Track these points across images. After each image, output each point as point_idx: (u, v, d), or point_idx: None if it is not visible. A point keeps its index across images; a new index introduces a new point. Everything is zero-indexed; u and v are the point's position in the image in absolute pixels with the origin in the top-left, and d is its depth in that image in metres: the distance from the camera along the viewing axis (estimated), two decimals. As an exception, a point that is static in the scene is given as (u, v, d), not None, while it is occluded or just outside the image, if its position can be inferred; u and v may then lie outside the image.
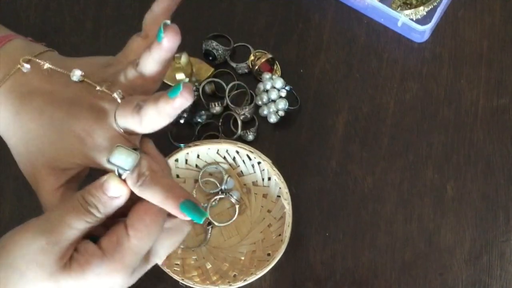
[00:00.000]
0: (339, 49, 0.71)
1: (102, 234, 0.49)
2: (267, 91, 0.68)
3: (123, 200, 0.47)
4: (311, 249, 0.66)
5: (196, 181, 0.68)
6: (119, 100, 0.51)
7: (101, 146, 0.50)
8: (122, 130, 0.51)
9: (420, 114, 0.69)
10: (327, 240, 0.66)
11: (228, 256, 0.65)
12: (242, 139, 0.68)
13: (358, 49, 0.71)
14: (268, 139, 0.69)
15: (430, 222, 0.67)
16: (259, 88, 0.68)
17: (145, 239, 0.47)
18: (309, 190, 0.67)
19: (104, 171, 0.49)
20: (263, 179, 0.67)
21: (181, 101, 0.48)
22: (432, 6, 0.69)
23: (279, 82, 0.67)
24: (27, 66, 0.53)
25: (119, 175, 0.47)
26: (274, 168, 0.64)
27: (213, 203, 0.67)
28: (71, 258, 0.46)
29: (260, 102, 0.68)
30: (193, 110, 0.68)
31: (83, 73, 0.52)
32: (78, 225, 0.46)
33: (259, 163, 0.66)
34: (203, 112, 0.68)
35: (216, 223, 0.66)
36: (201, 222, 0.47)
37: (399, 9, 0.69)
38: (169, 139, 0.68)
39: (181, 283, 0.62)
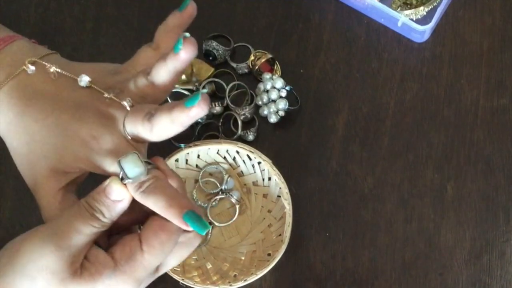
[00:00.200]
0: (339, 49, 0.71)
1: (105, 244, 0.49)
2: (267, 91, 0.68)
3: (126, 203, 0.47)
4: (311, 249, 0.66)
5: (196, 181, 0.68)
6: (128, 108, 0.51)
7: (107, 151, 0.50)
8: (130, 137, 0.51)
9: (420, 114, 0.69)
10: (327, 240, 0.66)
11: (228, 256, 0.66)
12: (242, 139, 0.68)
13: (358, 49, 0.71)
14: (268, 139, 0.69)
15: (430, 222, 0.67)
16: (259, 88, 0.68)
17: (159, 255, 0.47)
18: (309, 190, 0.67)
19: (106, 177, 0.49)
20: (263, 179, 0.67)
21: (197, 111, 0.48)
22: (432, 6, 0.69)
23: (279, 82, 0.67)
24: (32, 67, 0.53)
25: (122, 179, 0.47)
26: (274, 168, 0.65)
27: (213, 203, 0.67)
28: (82, 266, 0.46)
29: (260, 102, 0.68)
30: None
31: (90, 79, 0.52)
32: (85, 230, 0.46)
33: (259, 163, 0.66)
34: (203, 112, 0.68)
35: (216, 223, 0.66)
36: (203, 234, 0.47)
37: (399, 9, 0.69)
38: (169, 139, 0.67)
39: (181, 283, 0.62)
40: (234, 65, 0.70)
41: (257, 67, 0.69)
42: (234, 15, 0.73)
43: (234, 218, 0.67)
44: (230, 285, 0.61)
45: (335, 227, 0.67)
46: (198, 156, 0.67)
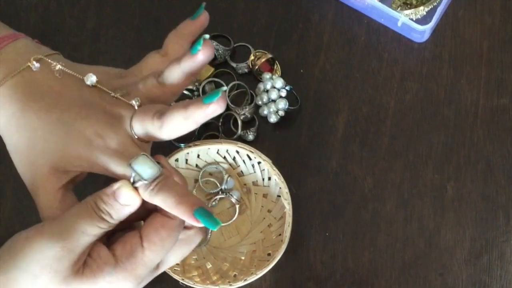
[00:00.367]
0: (339, 49, 0.71)
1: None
2: (267, 91, 0.68)
3: (135, 208, 0.47)
4: (311, 249, 0.66)
5: (196, 181, 0.68)
6: (136, 107, 0.51)
7: (112, 150, 0.50)
8: (136, 137, 0.51)
9: (420, 114, 0.69)
10: (327, 240, 0.66)
11: (228, 256, 0.66)
12: (242, 139, 0.68)
13: (358, 49, 0.71)
14: (268, 139, 0.69)
15: (430, 222, 0.67)
16: (259, 88, 0.68)
17: (159, 252, 0.47)
18: (309, 190, 0.67)
19: (108, 178, 0.49)
20: (263, 179, 0.67)
21: (214, 108, 0.48)
22: (432, 6, 0.69)
23: (279, 82, 0.67)
24: (37, 64, 0.53)
25: (133, 182, 0.47)
26: (274, 168, 0.65)
27: (213, 203, 0.67)
28: (84, 263, 0.46)
29: (260, 102, 0.68)
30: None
31: (97, 79, 0.52)
32: (92, 231, 0.46)
33: (259, 163, 0.66)
34: (203, 112, 0.68)
35: (216, 223, 0.66)
36: (215, 229, 0.47)
37: (399, 9, 0.69)
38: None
39: (181, 283, 0.62)
40: (234, 65, 0.70)
41: (257, 67, 0.69)
42: (234, 15, 0.73)
43: (234, 218, 0.67)
44: (230, 285, 0.61)
45: (335, 227, 0.67)
46: (198, 156, 0.67)
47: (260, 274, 0.61)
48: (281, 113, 0.68)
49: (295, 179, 0.67)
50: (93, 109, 0.51)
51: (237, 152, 0.66)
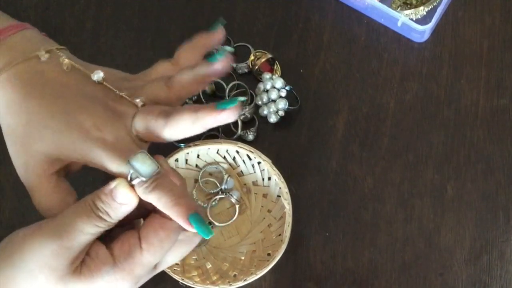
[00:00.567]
0: (339, 49, 0.71)
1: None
2: (267, 91, 0.68)
3: (132, 206, 0.47)
4: (311, 249, 0.66)
5: (196, 181, 0.68)
6: (139, 106, 0.51)
7: (109, 144, 0.49)
8: (135, 133, 0.50)
9: (420, 114, 0.69)
10: (327, 240, 0.66)
11: (228, 256, 0.65)
12: (242, 139, 0.68)
13: (358, 49, 0.71)
14: (268, 139, 0.69)
15: (430, 222, 0.67)
16: (259, 88, 0.68)
17: (158, 253, 0.47)
18: (309, 190, 0.67)
19: (110, 177, 0.48)
20: (263, 179, 0.67)
21: (227, 116, 0.48)
22: (432, 6, 0.69)
23: (279, 82, 0.67)
24: (46, 55, 0.52)
25: (131, 179, 0.47)
26: (274, 168, 0.64)
27: (213, 203, 0.67)
28: (82, 262, 0.46)
29: (260, 102, 0.68)
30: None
31: (104, 76, 0.52)
32: (90, 230, 0.46)
33: (259, 163, 0.66)
34: (203, 112, 0.68)
35: (216, 223, 0.66)
36: (207, 238, 0.47)
37: (399, 9, 0.69)
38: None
39: (181, 283, 0.62)
40: (234, 65, 0.70)
41: (257, 67, 0.69)
42: (234, 15, 0.73)
43: (234, 218, 0.66)
44: (230, 285, 0.61)
45: (335, 227, 0.67)
46: (198, 156, 0.67)
47: (260, 274, 0.61)
48: (281, 113, 0.68)
49: (295, 179, 0.67)
50: (95, 103, 0.51)
51: (237, 152, 0.66)
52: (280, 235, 0.64)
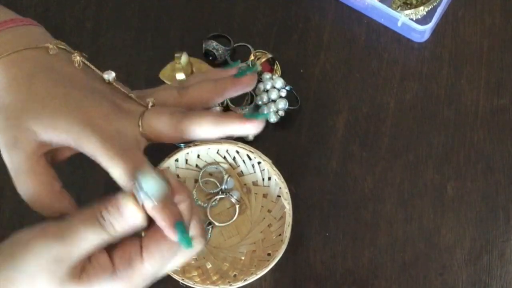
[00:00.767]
0: (339, 49, 0.71)
1: None
2: (267, 91, 0.68)
3: (138, 223, 0.46)
4: (311, 249, 0.66)
5: (196, 181, 0.68)
6: (149, 106, 0.50)
7: (108, 135, 0.48)
8: (141, 129, 0.49)
9: (420, 114, 0.69)
10: (327, 240, 0.66)
11: (228, 256, 0.65)
12: (242, 139, 0.68)
13: (358, 49, 0.71)
14: (268, 139, 0.69)
15: (430, 222, 0.67)
16: (259, 88, 0.68)
17: (158, 264, 0.46)
18: (309, 190, 0.67)
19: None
20: (263, 179, 0.67)
21: (252, 128, 0.48)
22: (432, 6, 0.69)
23: (279, 82, 0.67)
24: (56, 49, 0.52)
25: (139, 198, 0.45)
26: (274, 168, 0.64)
27: (213, 203, 0.67)
28: (83, 268, 0.46)
29: (260, 102, 0.68)
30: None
31: (115, 76, 0.52)
32: (93, 240, 0.45)
33: (259, 163, 0.66)
34: (203, 112, 0.68)
35: (216, 223, 0.66)
36: (186, 249, 0.46)
37: (399, 9, 0.69)
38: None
39: (181, 283, 0.62)
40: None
41: (257, 67, 0.69)
42: (234, 15, 0.73)
43: (234, 218, 0.66)
44: (230, 285, 0.61)
45: (335, 227, 0.67)
46: (198, 156, 0.67)
47: (260, 274, 0.61)
48: (281, 113, 0.68)
49: (295, 179, 0.67)
50: (102, 97, 0.50)
51: (237, 152, 0.66)
52: (280, 235, 0.64)
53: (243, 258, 0.65)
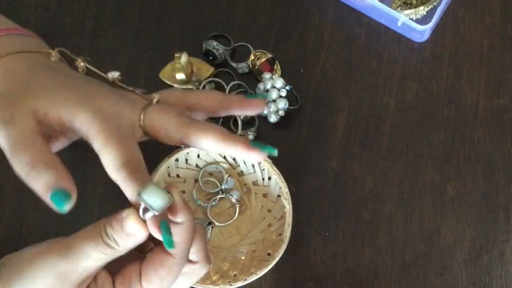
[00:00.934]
0: (339, 49, 0.71)
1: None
2: (267, 91, 0.68)
3: (140, 239, 0.45)
4: (311, 249, 0.66)
5: (196, 180, 0.68)
6: (155, 101, 0.50)
7: (106, 116, 0.47)
8: (141, 123, 0.49)
9: (420, 114, 0.69)
10: (327, 240, 0.66)
11: (228, 255, 0.65)
12: (242, 139, 0.68)
13: (358, 49, 0.71)
14: (268, 139, 0.69)
15: (430, 222, 0.67)
16: (259, 88, 0.68)
17: None
18: (309, 190, 0.67)
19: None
20: (263, 179, 0.67)
21: (255, 157, 0.49)
22: (432, 6, 0.69)
23: (279, 82, 0.67)
24: (58, 56, 0.52)
25: (143, 212, 0.45)
26: (274, 168, 0.64)
27: (213, 202, 0.67)
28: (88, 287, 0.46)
29: (260, 102, 0.68)
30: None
31: (119, 75, 0.51)
32: (95, 256, 0.45)
33: (259, 162, 0.66)
34: (203, 112, 0.68)
35: (216, 223, 0.66)
36: (168, 249, 0.45)
37: (399, 9, 0.69)
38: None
39: (181, 283, 0.62)
40: (234, 64, 0.70)
41: (257, 67, 0.69)
42: (234, 15, 0.73)
43: (234, 218, 0.67)
44: (230, 284, 0.61)
45: (335, 227, 0.67)
46: (198, 155, 0.67)
47: (260, 274, 0.61)
48: (281, 113, 0.68)
49: (295, 179, 0.67)
50: (107, 88, 0.50)
51: (237, 152, 0.66)
52: (280, 235, 0.64)
53: (243, 258, 0.65)
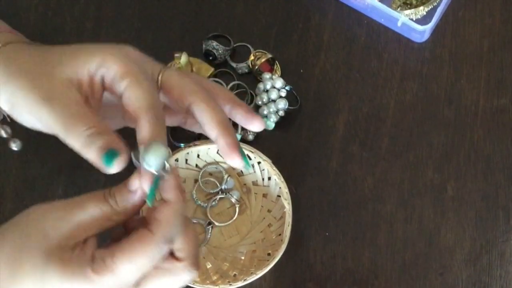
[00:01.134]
0: (339, 49, 0.71)
1: None
2: (267, 91, 0.68)
3: (138, 196, 0.47)
4: (311, 249, 0.66)
5: (196, 181, 0.68)
6: (177, 67, 0.53)
7: (131, 61, 0.50)
8: (159, 75, 0.51)
9: (420, 114, 0.69)
10: (327, 240, 0.66)
11: (228, 256, 0.65)
12: (242, 139, 0.68)
13: (358, 49, 0.71)
14: (268, 139, 0.69)
15: (430, 222, 0.67)
16: (259, 88, 0.68)
17: (130, 266, 0.45)
18: (309, 190, 0.67)
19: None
20: (263, 179, 0.67)
21: (235, 161, 0.52)
22: (432, 6, 0.69)
23: (279, 82, 0.67)
24: None
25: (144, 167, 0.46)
26: (274, 168, 0.65)
27: (213, 203, 0.67)
28: (74, 246, 0.45)
29: (260, 102, 0.68)
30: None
31: None
32: (92, 210, 0.46)
33: (259, 163, 0.66)
34: (203, 112, 0.68)
35: (216, 223, 0.66)
36: (147, 197, 0.46)
37: (399, 9, 0.69)
38: (169, 139, 0.68)
39: (181, 283, 0.62)
40: (234, 65, 0.70)
41: (257, 67, 0.69)
42: (234, 15, 0.73)
43: (234, 218, 0.67)
44: (230, 284, 0.61)
45: (335, 227, 0.67)
46: (198, 156, 0.67)
47: (260, 274, 0.61)
48: (281, 113, 0.68)
49: (295, 179, 0.67)
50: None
51: (237, 152, 0.66)
52: (280, 235, 0.64)
53: (243, 258, 0.65)
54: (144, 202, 0.48)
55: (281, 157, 0.68)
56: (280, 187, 0.65)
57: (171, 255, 0.48)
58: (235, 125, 0.68)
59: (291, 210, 0.63)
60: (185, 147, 0.65)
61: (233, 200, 0.66)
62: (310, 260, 0.66)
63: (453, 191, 0.67)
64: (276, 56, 0.70)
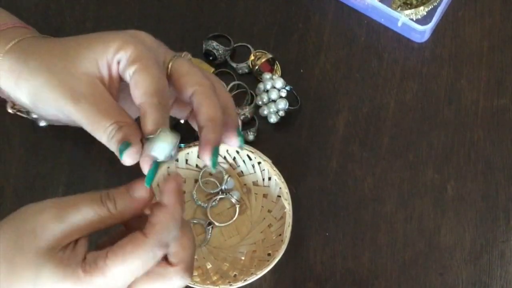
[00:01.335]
0: (339, 49, 0.71)
1: None
2: (267, 91, 0.68)
3: (141, 203, 0.46)
4: (311, 249, 0.66)
5: (196, 181, 0.68)
6: (188, 57, 0.54)
7: (146, 46, 0.51)
8: (170, 62, 0.52)
9: (420, 114, 0.69)
10: (327, 240, 0.66)
11: (228, 256, 0.65)
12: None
13: (358, 49, 0.71)
14: (268, 139, 0.69)
15: (430, 222, 0.67)
16: (259, 88, 0.68)
17: (121, 267, 0.45)
18: (309, 190, 0.67)
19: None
20: (263, 179, 0.67)
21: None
22: (432, 6, 0.69)
23: (279, 82, 0.67)
24: None
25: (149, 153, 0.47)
26: (275, 168, 0.65)
27: (213, 203, 0.67)
28: (65, 247, 0.45)
29: (260, 102, 0.68)
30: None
31: None
32: (86, 212, 0.45)
33: (259, 163, 0.66)
34: (203, 112, 0.68)
35: (216, 223, 0.66)
36: (146, 180, 0.47)
37: (399, 9, 0.69)
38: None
39: (181, 283, 0.62)
40: (234, 65, 0.70)
41: (257, 67, 0.69)
42: (234, 15, 0.73)
43: (234, 218, 0.67)
44: (230, 285, 0.61)
45: (335, 227, 0.67)
46: (198, 156, 0.67)
47: (260, 274, 0.61)
48: (281, 113, 0.68)
49: (295, 179, 0.67)
50: None
51: (237, 152, 0.66)
52: (280, 235, 0.64)
53: (243, 258, 0.65)
54: (144, 209, 0.47)
55: (281, 157, 0.68)
56: (280, 187, 0.65)
57: (165, 259, 0.47)
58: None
59: (291, 210, 0.63)
60: (185, 147, 0.65)
61: (233, 200, 0.66)
62: (310, 260, 0.66)
63: (453, 191, 0.67)
64: (276, 56, 0.70)
